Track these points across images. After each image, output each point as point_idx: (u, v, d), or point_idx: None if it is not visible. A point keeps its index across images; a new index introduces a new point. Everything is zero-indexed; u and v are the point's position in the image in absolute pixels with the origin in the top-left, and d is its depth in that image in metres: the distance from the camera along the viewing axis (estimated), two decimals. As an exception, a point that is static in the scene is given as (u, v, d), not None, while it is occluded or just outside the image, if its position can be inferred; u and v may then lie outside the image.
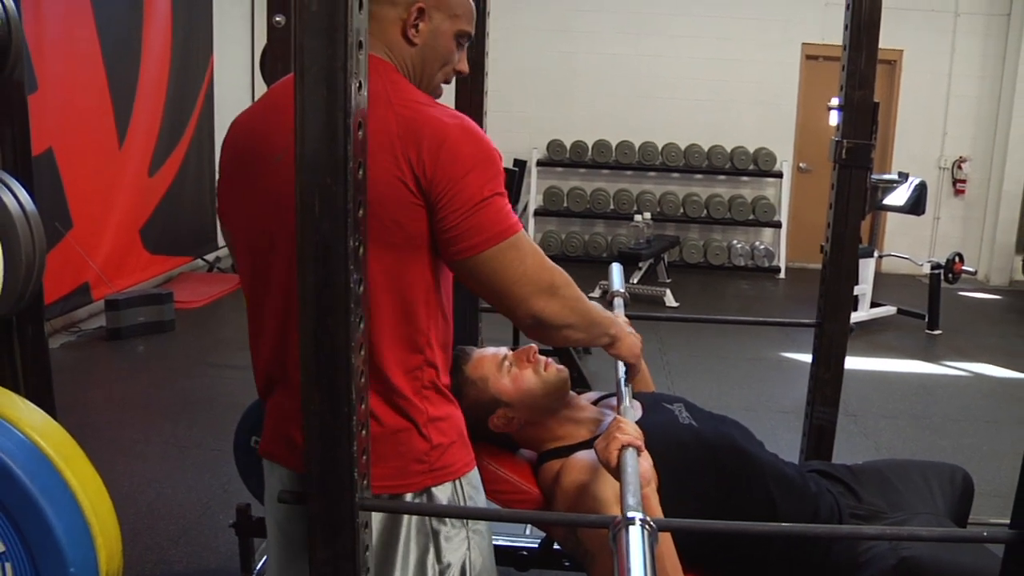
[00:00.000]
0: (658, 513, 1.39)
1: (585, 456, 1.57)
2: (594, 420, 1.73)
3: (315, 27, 1.00)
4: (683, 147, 7.75)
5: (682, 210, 7.78)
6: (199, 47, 6.40)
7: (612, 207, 7.84)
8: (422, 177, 1.20)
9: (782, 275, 7.74)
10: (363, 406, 1.12)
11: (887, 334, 5.82)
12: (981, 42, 7.61)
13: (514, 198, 6.19)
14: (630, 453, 1.25)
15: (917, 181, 5.76)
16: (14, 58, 1.66)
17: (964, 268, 6.04)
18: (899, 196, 5.80)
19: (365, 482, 1.15)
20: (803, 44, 7.57)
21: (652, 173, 7.96)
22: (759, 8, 7.60)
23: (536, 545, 2.05)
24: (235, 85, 6.94)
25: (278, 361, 1.35)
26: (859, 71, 2.02)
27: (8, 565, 1.40)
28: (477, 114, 2.36)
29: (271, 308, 1.33)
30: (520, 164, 6.86)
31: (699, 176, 7.93)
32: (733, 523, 1.46)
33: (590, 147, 7.78)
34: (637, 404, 1.69)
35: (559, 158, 7.84)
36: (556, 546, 1.94)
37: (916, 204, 5.75)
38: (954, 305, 6.57)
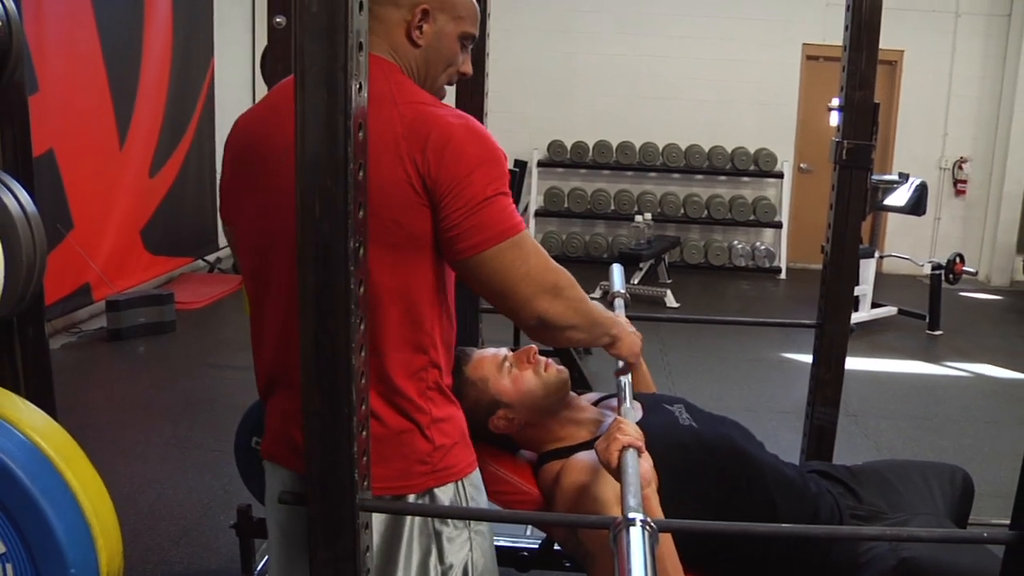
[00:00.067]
0: (659, 514, 1.39)
1: (586, 457, 1.57)
2: (595, 421, 1.73)
3: (315, 29, 1.00)
4: (684, 147, 7.75)
5: (683, 211, 7.78)
6: (200, 48, 6.40)
7: (613, 208, 7.84)
8: (427, 176, 1.20)
9: (783, 275, 7.73)
10: (363, 407, 1.12)
11: (888, 334, 5.82)
12: (982, 43, 7.61)
13: (515, 199, 6.18)
14: (631, 454, 1.25)
15: (918, 182, 5.76)
16: (15, 59, 1.66)
17: (965, 269, 6.04)
18: (900, 196, 5.80)
19: (365, 483, 1.15)
20: (804, 44, 7.56)
21: (653, 174, 7.96)
22: (760, 8, 7.60)
23: (536, 546, 2.05)
24: (236, 86, 6.95)
25: (280, 362, 1.35)
26: (859, 72, 2.02)
27: (9, 566, 1.40)
28: (478, 115, 2.36)
29: (273, 308, 1.33)
30: (521, 165, 6.86)
31: (700, 176, 7.93)
32: (733, 524, 1.46)
33: (591, 148, 7.79)
34: (637, 405, 1.69)
35: (560, 159, 7.84)
36: (556, 547, 1.93)
37: (917, 205, 5.75)
38: (955, 306, 6.57)
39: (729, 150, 7.74)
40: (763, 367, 4.97)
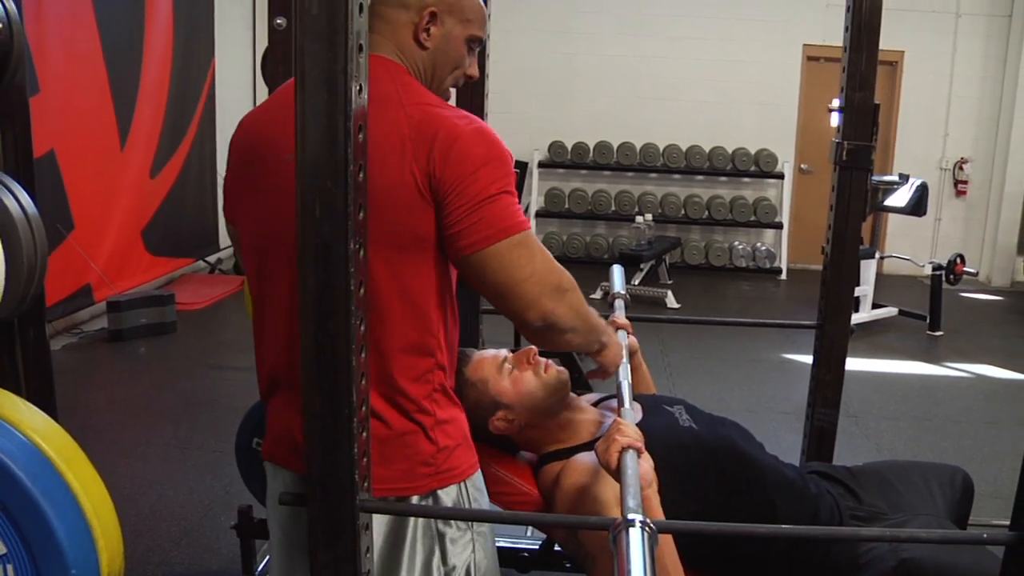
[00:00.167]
0: (659, 515, 1.39)
1: (586, 458, 1.57)
2: (594, 422, 1.73)
3: (315, 30, 1.00)
4: (684, 148, 7.75)
5: (683, 211, 7.78)
6: (201, 49, 6.41)
7: (613, 208, 7.84)
8: (432, 176, 1.20)
9: (783, 276, 7.73)
10: (364, 408, 1.12)
11: (888, 335, 5.82)
12: (982, 43, 7.61)
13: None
14: (630, 455, 1.25)
15: (918, 182, 5.76)
16: (16, 61, 1.66)
17: (965, 269, 6.03)
18: (900, 197, 5.80)
19: (366, 484, 1.15)
20: (804, 45, 7.56)
21: (653, 174, 7.96)
22: (760, 9, 7.60)
23: (537, 547, 2.05)
24: (237, 87, 6.95)
25: (283, 362, 1.35)
26: (859, 73, 2.02)
27: (10, 567, 1.41)
28: (478, 115, 2.35)
29: (276, 308, 1.33)
30: (521, 166, 6.87)
31: (700, 177, 7.93)
32: (733, 525, 1.46)
33: (591, 148, 7.79)
34: (637, 406, 1.69)
35: (560, 159, 7.84)
36: (557, 548, 1.94)
37: (917, 205, 5.75)
38: (955, 306, 6.56)
39: (730, 151, 7.74)
40: (764, 368, 4.97)
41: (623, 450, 1.27)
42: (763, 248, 7.76)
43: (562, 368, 1.69)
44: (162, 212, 5.95)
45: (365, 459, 1.14)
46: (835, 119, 2.13)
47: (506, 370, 1.64)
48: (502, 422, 1.64)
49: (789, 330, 5.06)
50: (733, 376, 4.77)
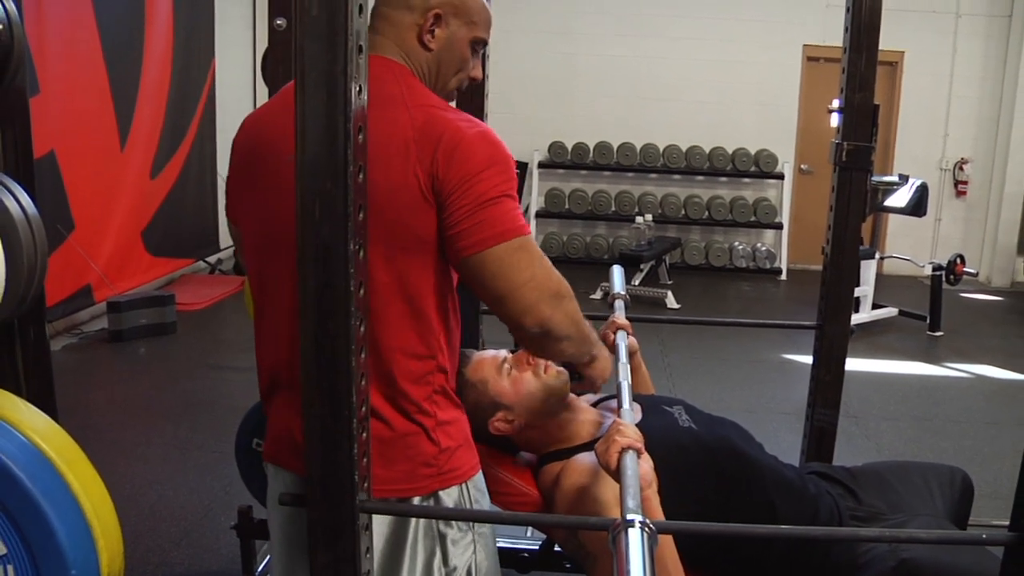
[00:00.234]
0: (659, 515, 1.39)
1: (585, 458, 1.58)
2: (594, 422, 1.73)
3: (315, 31, 1.01)
4: (684, 149, 7.75)
5: (683, 212, 7.78)
6: (201, 49, 6.41)
7: (614, 209, 7.84)
8: (435, 178, 1.20)
9: (783, 276, 7.73)
10: (363, 409, 1.13)
11: (889, 336, 5.82)
12: (982, 43, 7.61)
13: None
14: (630, 456, 1.25)
15: (918, 183, 5.76)
16: (16, 62, 1.66)
17: (965, 270, 6.03)
18: (900, 198, 5.80)
19: (366, 484, 1.15)
20: (804, 46, 7.56)
21: (653, 175, 7.96)
22: (760, 10, 7.60)
23: (537, 547, 2.05)
24: (237, 87, 6.95)
25: (283, 362, 1.35)
26: (859, 73, 2.02)
27: (10, 567, 1.41)
28: (478, 116, 2.34)
29: (277, 309, 1.33)
30: (522, 166, 6.87)
31: (700, 178, 7.93)
32: (733, 525, 1.46)
33: (591, 149, 7.79)
34: (637, 406, 1.69)
35: (560, 160, 7.84)
36: (557, 548, 1.94)
37: (917, 206, 5.75)
38: (955, 307, 6.56)
39: (730, 151, 7.74)
40: (764, 368, 4.97)
41: (623, 451, 1.27)
42: (763, 248, 7.76)
43: (562, 368, 1.69)
44: (162, 212, 5.95)
45: (365, 459, 1.14)
46: (835, 120, 2.14)
47: (506, 371, 1.64)
48: (502, 423, 1.64)
49: (789, 330, 5.05)
50: (733, 376, 4.77)
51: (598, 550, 1.44)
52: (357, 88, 1.03)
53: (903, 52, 7.58)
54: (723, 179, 7.90)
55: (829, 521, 1.68)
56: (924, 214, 5.92)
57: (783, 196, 7.88)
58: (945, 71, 7.68)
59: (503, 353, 1.68)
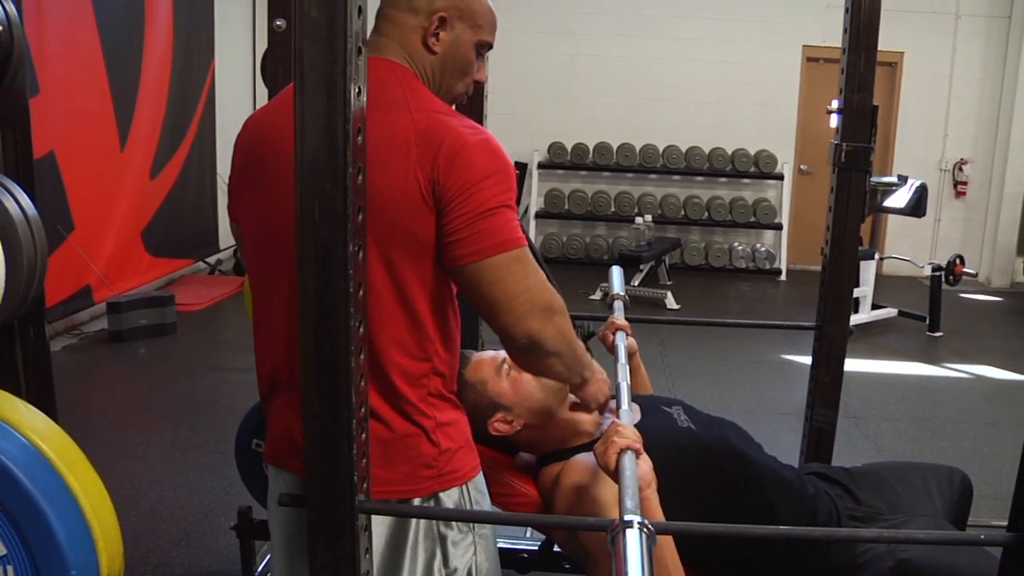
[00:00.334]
0: (659, 515, 1.39)
1: (584, 459, 1.58)
2: (593, 423, 1.73)
3: (315, 33, 1.01)
4: (684, 149, 7.75)
5: (683, 212, 7.78)
6: (200, 50, 6.41)
7: (613, 209, 7.84)
8: (436, 183, 1.20)
9: (783, 277, 7.73)
10: (363, 409, 1.13)
11: (888, 336, 5.82)
12: (982, 44, 7.61)
13: (516, 201, 6.19)
14: (629, 456, 1.25)
15: (917, 183, 5.76)
16: (16, 63, 1.66)
17: (965, 270, 6.04)
18: (900, 198, 5.80)
19: (365, 485, 1.15)
20: (804, 46, 7.56)
21: (653, 175, 7.96)
22: (760, 10, 7.60)
23: (536, 548, 2.05)
24: (236, 88, 6.96)
25: (283, 362, 1.35)
26: (858, 74, 2.02)
27: (10, 568, 1.41)
28: (478, 117, 2.37)
29: (277, 309, 1.33)
30: (521, 167, 6.87)
31: (700, 178, 7.93)
32: (731, 526, 1.46)
33: (591, 149, 7.79)
34: (636, 407, 1.70)
35: (560, 160, 7.84)
36: (556, 548, 1.94)
37: (917, 206, 5.75)
38: (955, 307, 6.57)
39: (729, 152, 7.75)
40: (763, 369, 4.97)
41: (621, 451, 1.27)
42: (763, 249, 7.76)
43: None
44: (162, 213, 5.95)
45: (364, 460, 1.14)
46: (834, 120, 2.14)
47: (505, 371, 1.64)
48: (501, 423, 1.64)
49: (788, 331, 5.06)
50: (733, 377, 4.77)
51: (598, 550, 1.44)
52: (356, 90, 1.03)
53: (903, 53, 7.59)
54: (723, 180, 7.91)
55: (828, 521, 1.68)
56: (923, 215, 5.92)
57: (783, 197, 7.88)
58: (944, 72, 7.68)
59: (503, 354, 1.68)
